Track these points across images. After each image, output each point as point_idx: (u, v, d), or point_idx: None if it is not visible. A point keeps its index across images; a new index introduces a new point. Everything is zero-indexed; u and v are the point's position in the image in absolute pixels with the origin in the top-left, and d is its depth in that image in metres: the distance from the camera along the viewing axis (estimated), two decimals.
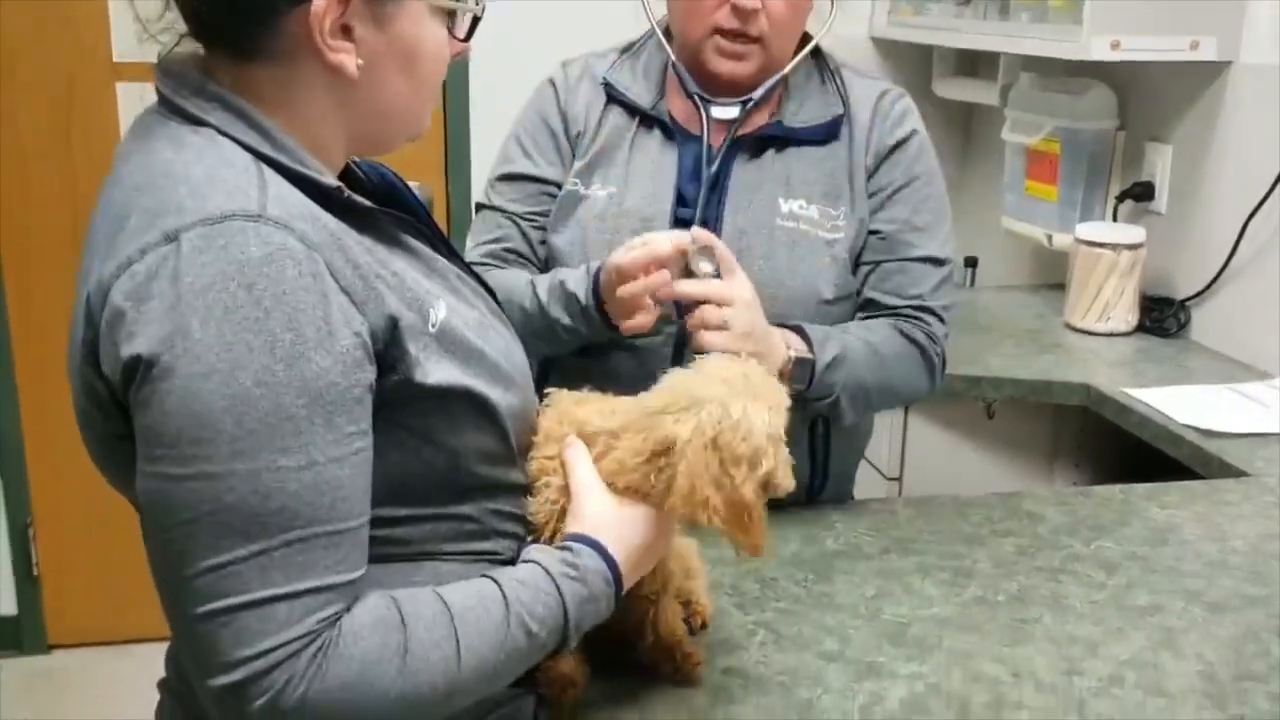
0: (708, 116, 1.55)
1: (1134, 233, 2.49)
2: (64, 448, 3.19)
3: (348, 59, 0.96)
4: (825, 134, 1.56)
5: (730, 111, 1.55)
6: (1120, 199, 2.62)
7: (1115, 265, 2.46)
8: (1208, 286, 2.41)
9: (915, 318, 1.57)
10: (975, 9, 2.75)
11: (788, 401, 1.09)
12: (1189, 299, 2.46)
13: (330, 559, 0.90)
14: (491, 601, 0.98)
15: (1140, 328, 2.50)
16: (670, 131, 1.57)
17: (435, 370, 0.98)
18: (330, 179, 0.97)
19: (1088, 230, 2.52)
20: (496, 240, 1.61)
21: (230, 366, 0.86)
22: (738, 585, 1.39)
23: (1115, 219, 2.64)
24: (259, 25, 0.95)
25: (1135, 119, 2.64)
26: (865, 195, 1.56)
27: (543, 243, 1.61)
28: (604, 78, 1.60)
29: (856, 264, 1.58)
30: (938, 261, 1.58)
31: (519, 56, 2.91)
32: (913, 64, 3.19)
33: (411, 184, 1.18)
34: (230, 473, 0.86)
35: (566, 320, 1.46)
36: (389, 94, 1.01)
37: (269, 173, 0.94)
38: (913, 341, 1.55)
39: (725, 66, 1.52)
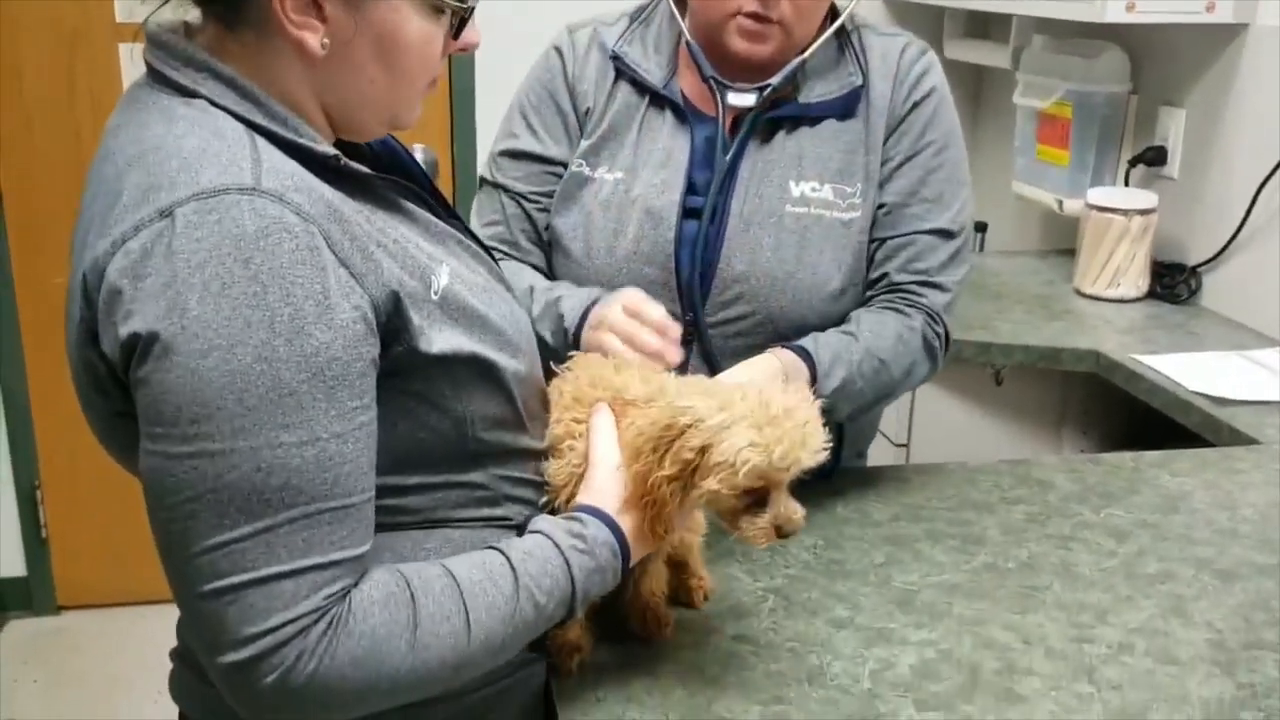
0: (723, 102, 1.48)
1: (1146, 198, 2.47)
2: (71, 409, 3.17)
3: (311, 36, 0.94)
4: (843, 108, 1.49)
5: (747, 99, 1.48)
6: (1132, 164, 2.60)
7: (1126, 231, 2.44)
8: (1219, 253, 2.39)
9: (918, 294, 1.50)
10: None
11: (809, 454, 1.04)
12: (1200, 265, 2.45)
13: (335, 535, 0.89)
14: (499, 575, 0.98)
15: (1151, 294, 2.48)
16: (682, 113, 1.51)
17: (439, 338, 0.97)
18: (325, 146, 0.96)
19: (1099, 195, 2.50)
20: (501, 222, 1.56)
21: (229, 343, 0.85)
22: (747, 552, 1.38)
23: (1127, 184, 2.62)
24: None
25: (1148, 82, 2.61)
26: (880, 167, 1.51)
27: (548, 227, 1.56)
28: (613, 50, 1.53)
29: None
30: (947, 234, 1.50)
31: (526, 16, 2.89)
32: (924, 25, 3.16)
33: (416, 147, 1.17)
34: (232, 450, 0.86)
35: (549, 339, 1.41)
36: (361, 80, 0.99)
37: (262, 143, 0.93)
38: (914, 330, 1.49)
39: (743, 46, 1.45)
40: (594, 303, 1.39)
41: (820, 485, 1.56)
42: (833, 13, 1.52)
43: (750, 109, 1.48)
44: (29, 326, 3.12)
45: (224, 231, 0.86)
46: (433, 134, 3.12)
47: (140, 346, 0.86)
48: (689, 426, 1.02)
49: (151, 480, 0.89)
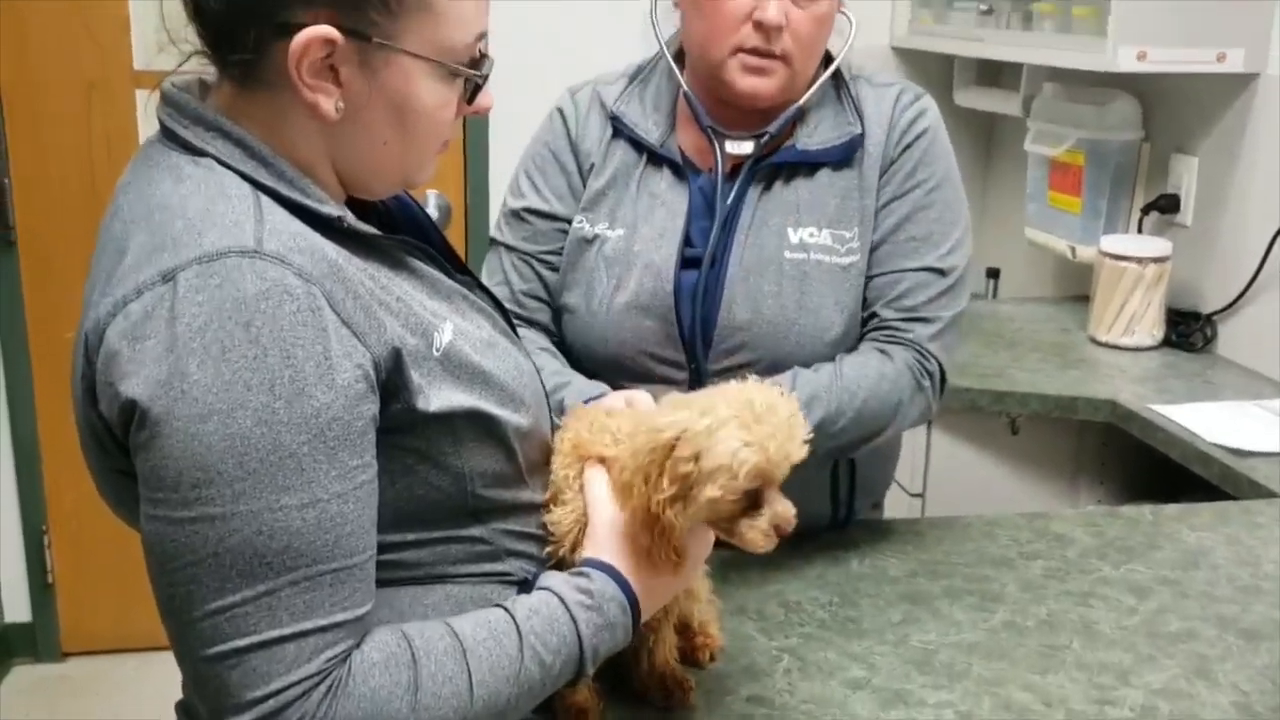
0: (721, 151, 1.49)
1: (1159, 245, 2.45)
2: (80, 456, 3.19)
3: (325, 100, 0.94)
4: (842, 155, 1.49)
5: (745, 147, 1.49)
6: (1145, 211, 2.59)
7: (1140, 278, 2.43)
8: (1235, 301, 2.38)
9: (903, 329, 1.48)
10: (998, 19, 2.72)
11: (797, 447, 1.04)
12: (1216, 313, 2.43)
13: (337, 596, 0.88)
14: (504, 633, 0.97)
15: (1166, 342, 2.47)
16: (680, 169, 1.52)
17: (437, 396, 0.97)
18: (330, 207, 0.96)
19: (1112, 243, 2.49)
20: (505, 283, 1.57)
21: (229, 407, 0.84)
22: (762, 610, 1.36)
23: (1140, 231, 2.61)
24: (251, 53, 0.93)
25: (1160, 130, 2.61)
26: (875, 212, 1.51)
27: (556, 283, 1.56)
28: (612, 110, 1.55)
29: None
30: (938, 272, 1.49)
31: (539, 63, 2.91)
32: (934, 73, 3.16)
33: (430, 193, 1.16)
34: (233, 514, 0.85)
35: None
36: (376, 143, 0.99)
37: (267, 203, 0.92)
38: (898, 367, 1.46)
39: (748, 83, 1.45)
40: (598, 396, 1.37)
41: (835, 537, 1.55)
42: (826, 60, 1.53)
43: (748, 156, 1.49)
44: (41, 371, 3.12)
45: (225, 295, 0.85)
46: (446, 179, 3.13)
47: (139, 411, 0.86)
48: (676, 439, 1.00)
49: (153, 544, 0.88)
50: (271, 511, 0.85)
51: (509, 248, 1.58)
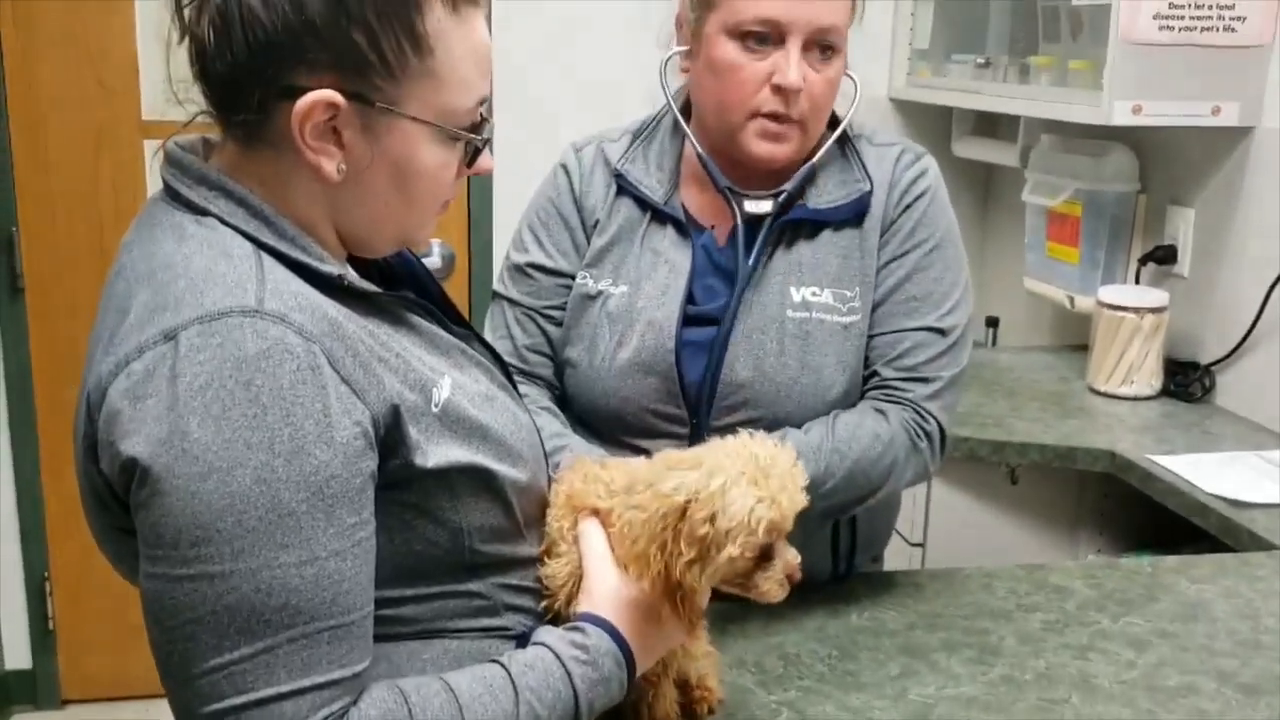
0: (740, 211, 1.49)
1: (1157, 296, 2.47)
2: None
3: (327, 162, 0.96)
4: (853, 213, 1.50)
5: (764, 206, 1.49)
6: (1143, 262, 2.61)
7: (1138, 329, 2.44)
8: (1233, 351, 2.39)
9: (901, 389, 1.49)
10: (995, 71, 2.76)
11: (801, 496, 1.06)
12: (1214, 364, 2.45)
13: (335, 653, 0.89)
14: (499, 688, 0.97)
15: (1164, 392, 2.48)
16: (683, 228, 1.53)
17: (435, 452, 0.98)
18: (330, 265, 0.97)
19: (1110, 293, 2.51)
20: (507, 337, 1.58)
21: (229, 465, 0.86)
22: (760, 662, 1.37)
23: (1138, 282, 2.63)
24: (255, 114, 0.95)
25: (1157, 182, 2.64)
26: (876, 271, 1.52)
27: (559, 338, 1.57)
28: (616, 168, 1.56)
29: None
30: (938, 332, 1.50)
31: (543, 111, 2.95)
32: (932, 125, 3.20)
33: (433, 242, 1.18)
34: (232, 572, 0.86)
35: None
36: (377, 203, 1.00)
37: (269, 262, 0.94)
38: (894, 427, 1.47)
39: (764, 149, 1.46)
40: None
41: (834, 589, 1.55)
42: (832, 119, 1.54)
43: (767, 215, 1.50)
44: (46, 418, 3.13)
45: (225, 354, 0.87)
46: (450, 227, 3.16)
47: (139, 470, 0.87)
48: (688, 503, 1.01)
49: (151, 601, 0.89)
50: (270, 569, 0.86)
51: (512, 302, 1.59)
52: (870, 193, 1.51)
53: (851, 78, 1.53)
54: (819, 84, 1.45)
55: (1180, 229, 2.55)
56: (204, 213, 0.96)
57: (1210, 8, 2.24)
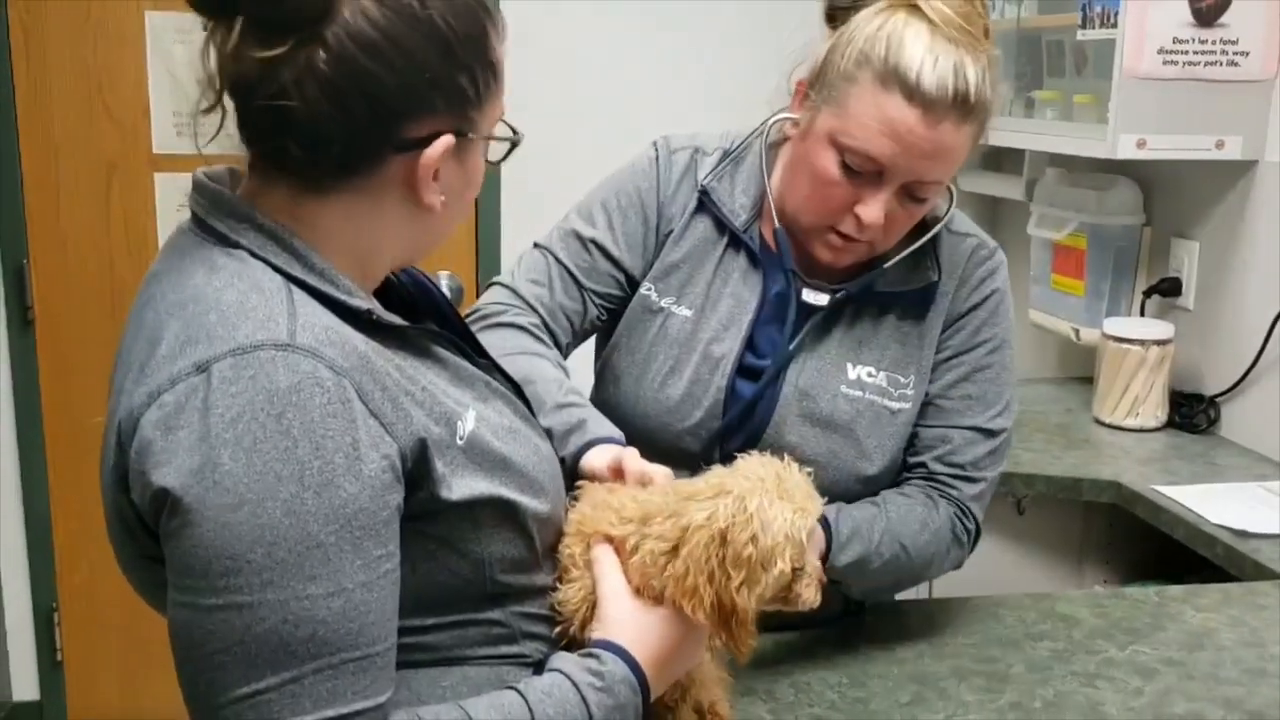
0: (798, 299, 1.46)
1: (1162, 328, 2.49)
2: (92, 533, 3.18)
3: (437, 198, 1.00)
4: (916, 300, 1.47)
5: (820, 299, 1.46)
6: (1148, 294, 2.63)
7: (1144, 361, 2.46)
8: (1237, 383, 2.40)
9: (950, 485, 1.48)
10: (1000, 105, 2.78)
11: (819, 509, 1.08)
12: (1219, 395, 2.46)
13: (359, 684, 0.90)
14: (516, 716, 0.98)
15: (1170, 424, 2.49)
16: (757, 259, 1.48)
17: (460, 485, 0.99)
18: (360, 300, 0.98)
19: (1115, 325, 2.52)
20: (546, 286, 1.51)
21: (259, 497, 0.87)
22: (772, 690, 1.37)
23: (1143, 314, 2.65)
24: (360, 166, 0.97)
25: (1161, 215, 2.66)
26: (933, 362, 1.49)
27: (595, 320, 1.53)
28: (702, 184, 1.50)
29: None
30: (989, 433, 1.49)
31: (549, 142, 2.97)
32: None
33: (441, 274, 1.20)
34: (261, 603, 0.87)
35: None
36: (451, 222, 1.06)
37: (300, 296, 0.95)
38: (941, 520, 1.46)
39: (827, 257, 1.43)
40: (606, 439, 1.32)
41: (845, 619, 1.56)
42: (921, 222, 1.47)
43: (822, 309, 1.47)
44: (55, 450, 3.14)
45: (258, 387, 0.88)
46: (458, 260, 3.18)
47: (170, 500, 0.88)
48: (728, 528, 1.02)
49: (180, 631, 0.90)
50: (298, 600, 0.87)
51: (560, 261, 1.52)
52: (937, 284, 1.48)
53: (950, 188, 1.48)
54: (901, 219, 1.41)
55: (1184, 262, 2.56)
56: (234, 245, 0.97)
57: (1214, 43, 2.27)
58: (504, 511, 1.03)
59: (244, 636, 0.87)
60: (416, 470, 0.96)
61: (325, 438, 0.89)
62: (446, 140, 0.97)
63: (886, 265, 1.46)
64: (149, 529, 0.92)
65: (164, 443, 0.88)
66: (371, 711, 0.91)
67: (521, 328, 1.47)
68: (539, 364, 1.41)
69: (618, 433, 1.35)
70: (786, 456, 1.10)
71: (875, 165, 1.35)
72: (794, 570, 1.06)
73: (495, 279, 1.57)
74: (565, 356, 1.53)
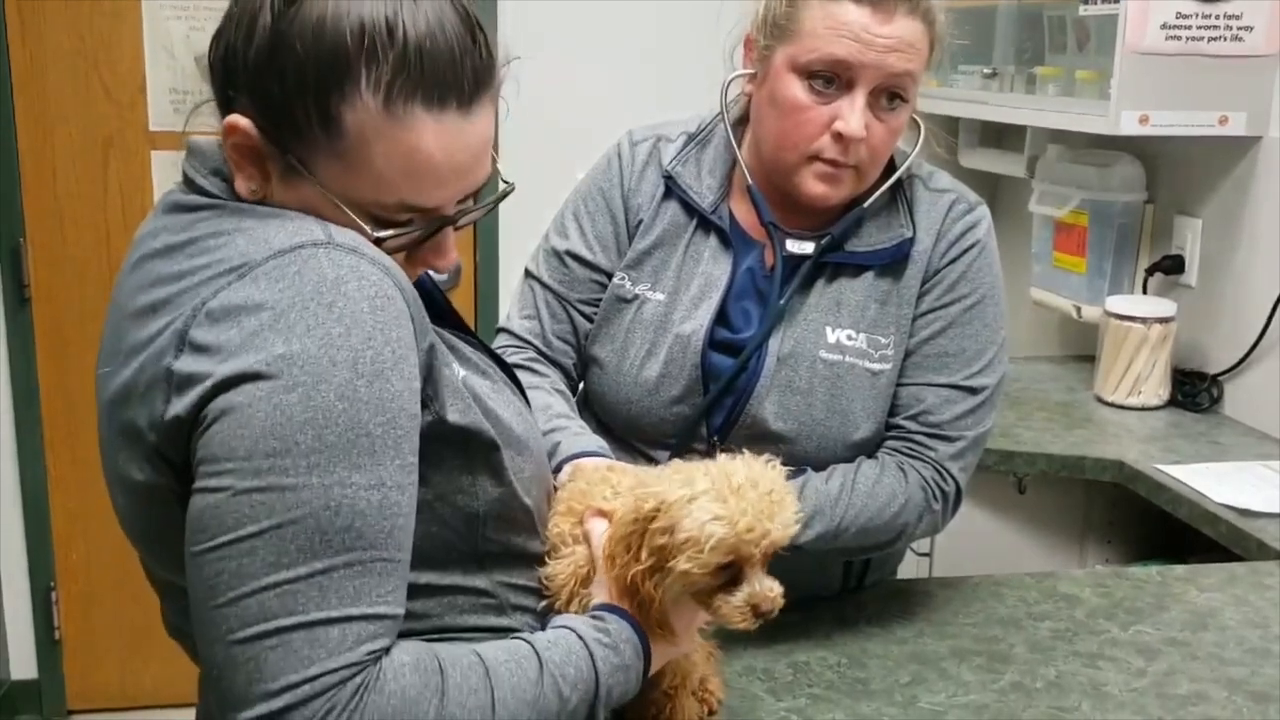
0: (782, 249, 1.46)
1: (1164, 306, 2.47)
2: (89, 512, 3.19)
3: (242, 180, 1.00)
4: (890, 259, 1.47)
5: (806, 247, 1.46)
6: (1150, 272, 2.61)
7: (1146, 339, 2.44)
8: (1240, 361, 2.39)
9: (925, 445, 1.46)
10: (1002, 82, 2.76)
11: (779, 524, 1.02)
12: (1221, 374, 2.44)
13: (384, 587, 0.89)
14: (525, 659, 0.97)
15: (1172, 402, 2.48)
16: (727, 238, 1.50)
17: (457, 411, 0.98)
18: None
19: (1118, 303, 2.51)
20: (536, 318, 1.56)
21: (314, 379, 0.86)
22: (770, 670, 1.37)
23: (1145, 292, 2.63)
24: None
25: (1164, 192, 2.64)
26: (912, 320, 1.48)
27: (587, 333, 1.55)
28: (666, 169, 1.52)
29: None
30: (968, 390, 1.47)
31: (545, 124, 2.95)
32: (939, 135, 3.19)
33: None
34: (304, 486, 0.86)
35: None
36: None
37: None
38: (912, 487, 1.44)
39: (819, 190, 1.42)
40: (583, 454, 1.34)
41: (844, 598, 1.55)
42: (890, 162, 1.49)
43: (807, 256, 1.47)
44: (52, 428, 3.14)
45: (306, 279, 0.89)
46: (457, 239, 3.15)
47: (215, 388, 0.87)
48: (656, 510, 1.01)
49: (208, 519, 0.87)
50: (341, 487, 0.86)
51: (544, 285, 1.56)
52: (911, 240, 1.47)
53: (918, 121, 1.49)
54: (880, 133, 1.41)
55: (1187, 239, 2.55)
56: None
57: (1217, 18, 2.25)
58: (494, 464, 1.02)
59: (282, 520, 0.85)
60: (425, 388, 0.95)
61: (376, 329, 0.89)
62: (237, 120, 0.96)
63: (866, 205, 1.47)
64: (171, 463, 0.91)
65: (214, 340, 0.88)
66: (391, 620, 0.90)
67: (518, 366, 1.51)
68: (531, 395, 1.41)
69: (598, 445, 1.37)
70: (774, 461, 1.06)
71: (841, 70, 1.37)
72: (723, 584, 1.02)
73: (498, 325, 1.61)
74: (579, 371, 1.58)
